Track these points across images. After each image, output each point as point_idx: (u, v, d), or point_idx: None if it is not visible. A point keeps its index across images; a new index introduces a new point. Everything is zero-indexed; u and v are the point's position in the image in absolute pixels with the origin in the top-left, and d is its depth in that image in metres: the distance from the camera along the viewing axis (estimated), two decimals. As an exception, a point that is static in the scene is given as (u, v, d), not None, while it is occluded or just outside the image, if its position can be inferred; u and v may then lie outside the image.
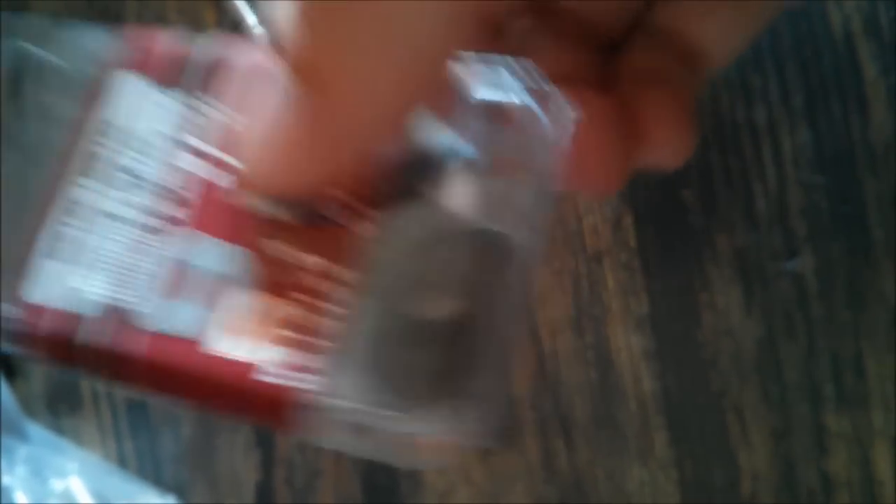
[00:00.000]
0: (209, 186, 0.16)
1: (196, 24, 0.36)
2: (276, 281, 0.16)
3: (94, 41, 0.18)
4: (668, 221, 0.30)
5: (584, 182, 0.21)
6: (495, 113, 0.16)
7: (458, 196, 0.16)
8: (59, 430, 0.40)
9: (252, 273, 0.16)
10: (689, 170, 0.30)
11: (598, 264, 0.31)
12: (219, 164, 0.17)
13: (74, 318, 0.16)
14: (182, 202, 0.16)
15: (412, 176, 0.17)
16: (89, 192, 0.17)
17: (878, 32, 0.28)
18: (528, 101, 0.16)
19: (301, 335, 0.15)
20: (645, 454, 0.31)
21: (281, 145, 0.16)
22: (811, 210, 0.29)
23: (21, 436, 0.39)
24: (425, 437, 0.15)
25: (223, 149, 0.17)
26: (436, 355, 0.15)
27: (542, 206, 0.16)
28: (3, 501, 0.37)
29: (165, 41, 0.18)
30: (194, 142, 0.17)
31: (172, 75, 0.17)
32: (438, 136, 0.17)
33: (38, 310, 0.16)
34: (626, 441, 0.31)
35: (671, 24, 0.22)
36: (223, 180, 0.16)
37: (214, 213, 0.16)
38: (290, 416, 0.15)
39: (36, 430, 0.40)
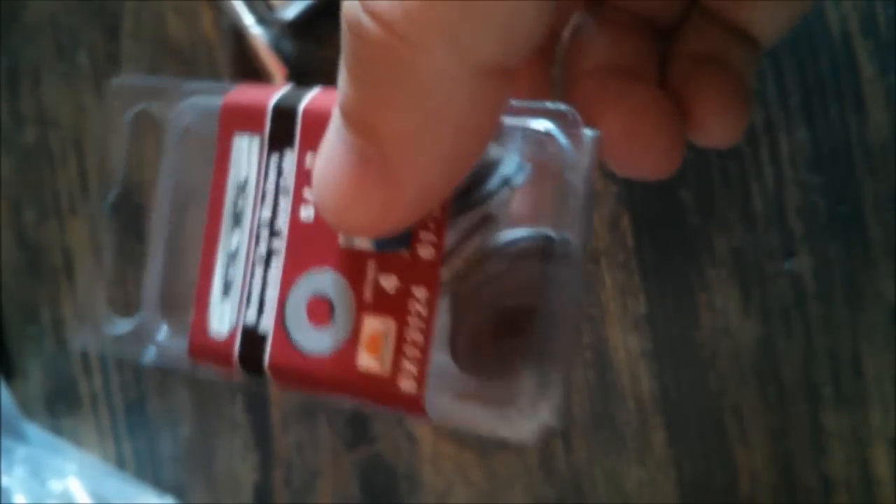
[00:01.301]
0: (304, 227, 0.19)
1: (193, 25, 0.36)
2: (378, 301, 0.18)
3: (209, 99, 0.21)
4: (665, 222, 0.30)
5: (637, 168, 0.21)
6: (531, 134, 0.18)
7: (516, 206, 0.19)
8: (58, 430, 0.40)
9: (355, 295, 0.19)
10: (686, 170, 0.30)
11: (595, 264, 0.31)
12: (302, 200, 0.19)
13: (256, 344, 0.19)
14: (296, 242, 0.19)
15: (473, 194, 0.19)
16: (238, 241, 0.20)
17: (876, 31, 0.28)
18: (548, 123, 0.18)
19: (410, 345, 0.18)
20: (643, 454, 0.31)
21: (341, 187, 0.17)
22: (809, 210, 0.29)
23: (20, 437, 0.39)
24: (516, 423, 0.18)
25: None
26: (516, 344, 0.18)
27: (585, 207, 0.18)
28: (2, 502, 0.37)
29: (253, 94, 0.20)
30: (290, 184, 0.19)
31: (261, 125, 0.19)
32: (489, 156, 0.19)
33: (225, 342, 0.20)
34: (625, 441, 0.31)
35: (721, 9, 0.23)
36: (305, 214, 0.19)
37: (316, 247, 0.19)
38: (419, 411, 0.18)
39: (34, 430, 0.40)
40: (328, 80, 0.34)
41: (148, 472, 0.38)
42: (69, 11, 0.39)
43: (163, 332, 0.21)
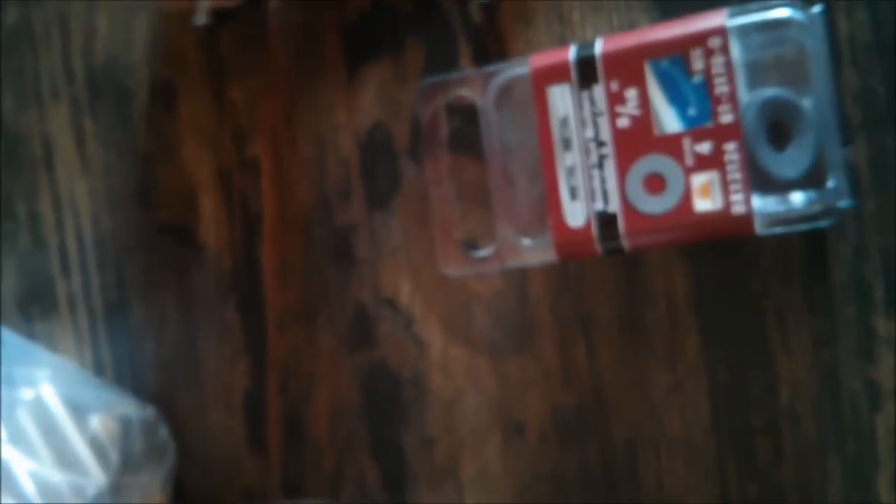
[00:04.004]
0: (623, 132, 0.26)
1: None
2: (699, 162, 0.26)
3: (505, 75, 0.28)
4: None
5: None
6: None
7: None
8: (31, 334, 0.37)
9: (681, 164, 0.26)
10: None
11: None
12: (616, 115, 0.26)
13: (609, 222, 0.26)
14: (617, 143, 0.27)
15: None
16: (572, 158, 0.27)
17: None
18: None
19: (733, 183, 0.25)
20: (673, 359, 0.28)
21: None
22: (867, 95, 0.27)
23: (-11, 339, 0.36)
24: None
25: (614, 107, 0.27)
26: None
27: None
28: (-32, 409, 0.34)
29: (549, 57, 0.27)
30: (604, 108, 0.27)
31: (567, 75, 0.27)
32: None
33: (583, 229, 0.27)
34: (653, 345, 0.29)
35: None
36: (621, 123, 0.26)
37: (637, 143, 0.26)
38: (748, 226, 0.25)
39: (6, 333, 0.37)
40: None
41: (128, 380, 0.35)
42: None
43: (525, 242, 0.28)
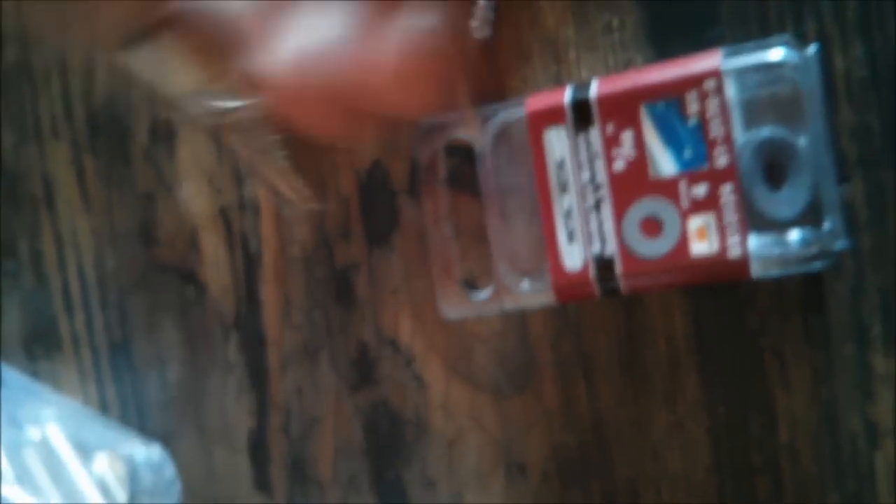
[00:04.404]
0: (619, 175, 0.27)
1: None
2: (695, 204, 0.26)
3: (502, 116, 0.28)
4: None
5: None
6: None
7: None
8: (35, 373, 0.37)
9: (677, 206, 0.26)
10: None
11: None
12: (612, 158, 0.27)
13: (606, 265, 0.27)
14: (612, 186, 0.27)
15: None
16: (569, 202, 0.27)
17: (945, -66, 0.26)
18: None
19: (729, 226, 0.25)
20: (673, 398, 0.29)
21: None
22: (863, 132, 0.27)
23: (-6, 379, 0.37)
24: None
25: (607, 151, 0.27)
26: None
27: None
28: (-25, 449, 0.34)
29: (545, 99, 0.27)
30: (599, 150, 0.27)
31: (563, 118, 0.27)
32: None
33: (580, 272, 0.27)
34: (653, 384, 0.29)
35: None
36: (617, 166, 0.27)
37: (633, 186, 0.26)
38: (744, 270, 0.26)
39: (10, 373, 0.37)
40: None
41: (133, 418, 0.35)
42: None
43: (523, 286, 0.28)
